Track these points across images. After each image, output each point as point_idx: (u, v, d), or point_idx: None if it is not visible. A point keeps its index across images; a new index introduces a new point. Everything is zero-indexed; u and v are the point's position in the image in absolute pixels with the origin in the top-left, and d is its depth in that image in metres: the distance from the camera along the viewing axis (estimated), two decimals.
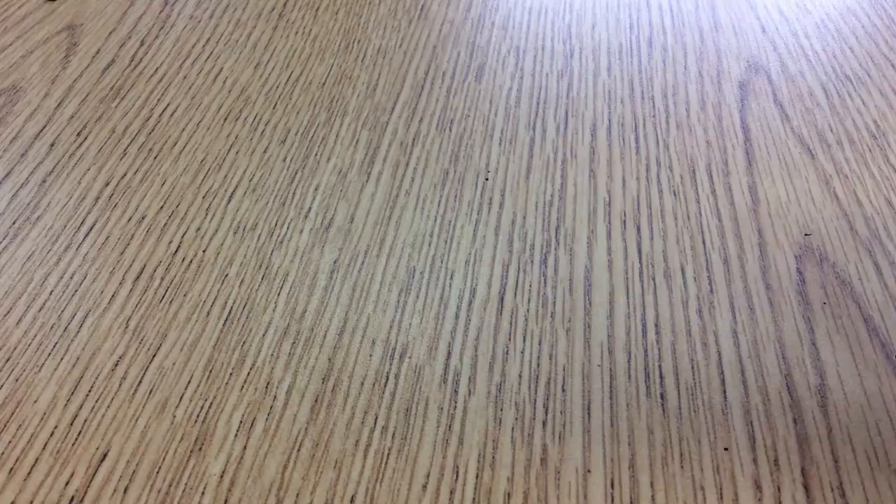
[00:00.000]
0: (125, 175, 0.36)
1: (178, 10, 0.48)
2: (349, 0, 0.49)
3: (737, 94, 0.41)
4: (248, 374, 0.28)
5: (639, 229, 0.34)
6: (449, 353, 0.29)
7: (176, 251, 0.33)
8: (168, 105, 0.41)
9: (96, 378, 0.28)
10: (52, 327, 0.30)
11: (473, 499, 0.25)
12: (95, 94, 0.41)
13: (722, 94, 0.41)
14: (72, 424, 0.27)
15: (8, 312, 0.30)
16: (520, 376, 0.28)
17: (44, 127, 0.39)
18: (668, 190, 0.36)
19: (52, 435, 0.26)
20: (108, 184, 0.36)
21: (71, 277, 0.32)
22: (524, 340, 0.29)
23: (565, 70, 0.43)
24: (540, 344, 0.29)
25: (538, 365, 0.28)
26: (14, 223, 0.34)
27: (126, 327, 0.30)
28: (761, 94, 0.41)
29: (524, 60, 0.44)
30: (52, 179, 0.36)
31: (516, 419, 0.27)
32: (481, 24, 0.47)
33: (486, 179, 0.36)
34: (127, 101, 0.41)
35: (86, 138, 0.38)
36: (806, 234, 0.33)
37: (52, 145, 0.38)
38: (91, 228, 0.34)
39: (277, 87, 0.42)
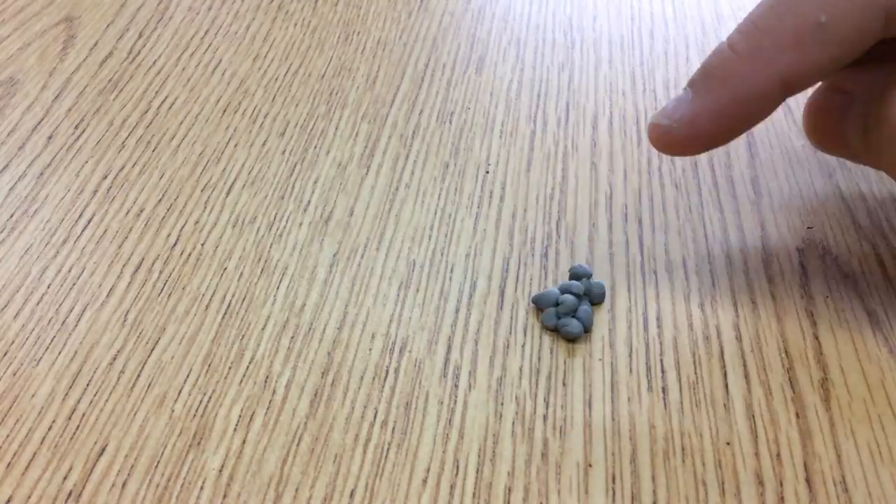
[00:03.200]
0: (123, 168, 0.36)
1: (177, 2, 0.47)
2: None
3: None
4: (247, 368, 0.28)
5: (640, 222, 0.33)
6: (449, 347, 0.29)
7: (174, 244, 0.33)
8: (166, 97, 0.40)
9: (94, 372, 0.28)
10: (49, 321, 0.30)
11: (474, 493, 0.25)
12: (93, 86, 0.41)
13: None
14: (70, 418, 0.26)
15: (5, 306, 0.30)
16: (520, 370, 0.28)
17: (41, 119, 0.39)
18: (670, 182, 0.35)
19: (49, 429, 0.26)
20: (106, 177, 0.36)
21: (69, 271, 0.31)
22: (525, 334, 0.29)
23: (566, 62, 0.43)
24: (541, 338, 0.29)
25: (539, 359, 0.28)
26: (11, 216, 0.34)
27: (124, 321, 0.30)
28: None
29: (525, 52, 0.43)
30: (49, 172, 0.36)
31: (517, 413, 0.27)
32: (482, 15, 0.46)
33: (487, 172, 0.36)
34: (125, 93, 0.41)
35: (84, 131, 0.38)
36: (808, 228, 0.33)
37: (49, 138, 0.38)
38: (89, 221, 0.34)
39: (276, 79, 0.42)
